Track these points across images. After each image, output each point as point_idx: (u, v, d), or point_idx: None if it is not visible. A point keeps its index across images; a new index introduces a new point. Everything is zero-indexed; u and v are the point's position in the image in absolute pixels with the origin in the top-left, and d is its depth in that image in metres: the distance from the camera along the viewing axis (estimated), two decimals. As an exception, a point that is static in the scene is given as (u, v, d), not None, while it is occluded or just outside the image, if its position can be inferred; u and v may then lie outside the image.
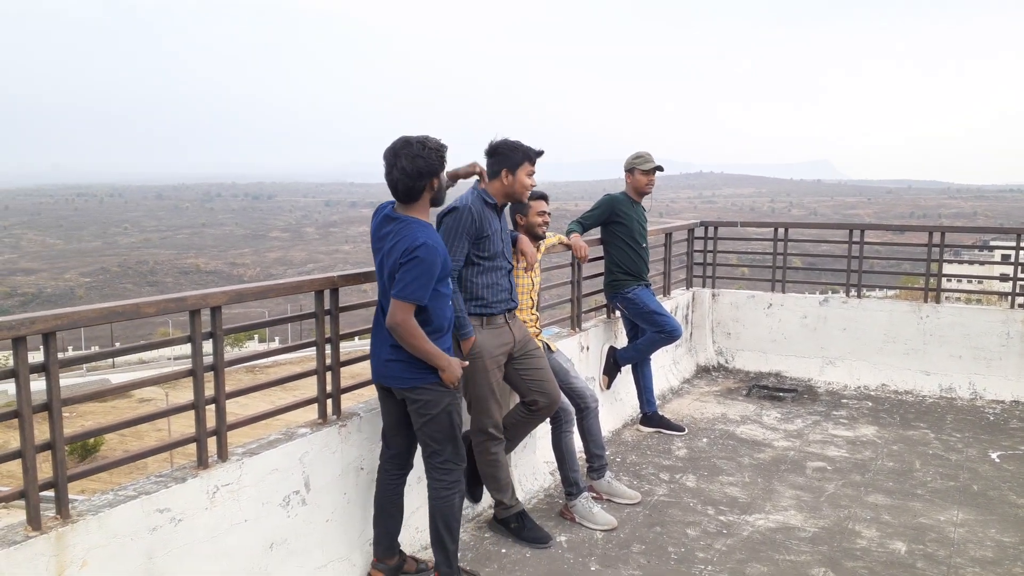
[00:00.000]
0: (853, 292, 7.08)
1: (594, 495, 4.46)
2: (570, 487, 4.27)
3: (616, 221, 5.48)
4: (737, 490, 4.63)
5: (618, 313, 5.82)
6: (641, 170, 5.48)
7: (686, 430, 5.70)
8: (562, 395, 4.26)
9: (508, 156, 3.81)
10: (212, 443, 3.00)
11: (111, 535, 2.56)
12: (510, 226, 4.37)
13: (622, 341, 5.93)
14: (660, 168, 5.53)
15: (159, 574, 2.71)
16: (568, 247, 5.15)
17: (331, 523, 3.42)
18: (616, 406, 5.92)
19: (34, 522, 2.42)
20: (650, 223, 5.80)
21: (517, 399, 4.17)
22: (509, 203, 4.16)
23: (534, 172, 3.88)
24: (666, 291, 7.02)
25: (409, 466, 3.51)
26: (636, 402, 5.86)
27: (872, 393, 6.70)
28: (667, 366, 6.88)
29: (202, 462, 2.94)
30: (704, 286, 7.63)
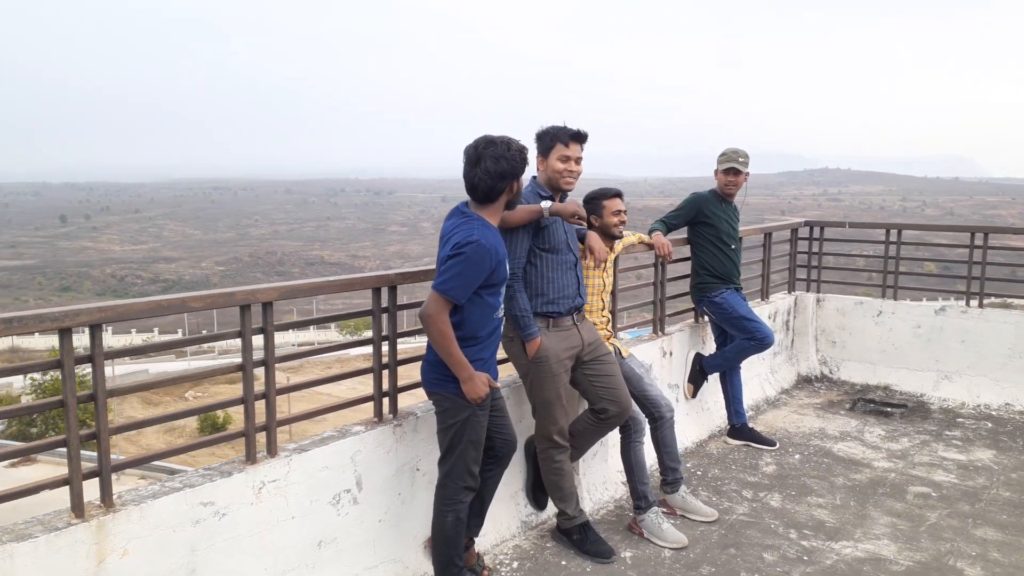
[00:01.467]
0: (974, 301, 6.47)
1: (666, 510, 4.24)
2: (639, 500, 4.07)
3: (703, 221, 5.20)
4: (826, 513, 4.29)
5: (706, 318, 5.53)
6: (720, 170, 5.17)
7: (777, 444, 5.35)
8: (633, 403, 4.07)
9: (540, 141, 3.68)
10: (262, 438, 3.01)
11: (153, 526, 2.59)
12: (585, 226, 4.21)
13: (710, 347, 5.63)
14: (736, 169, 5.15)
15: (201, 567, 2.73)
16: (650, 247, 4.92)
17: (384, 523, 3.37)
18: (702, 416, 5.63)
19: (77, 509, 2.48)
20: (764, 221, 5.46)
21: (585, 405, 4.00)
22: (580, 200, 4.01)
23: (572, 157, 3.65)
24: (764, 295, 6.64)
25: (500, 462, 3.46)
26: (725, 412, 5.55)
27: (993, 413, 6.10)
28: (763, 375, 6.51)
29: (250, 457, 2.95)
30: (808, 290, 7.18)
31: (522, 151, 3.00)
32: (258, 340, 2.94)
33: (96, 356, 2.45)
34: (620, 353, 4.29)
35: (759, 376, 6.41)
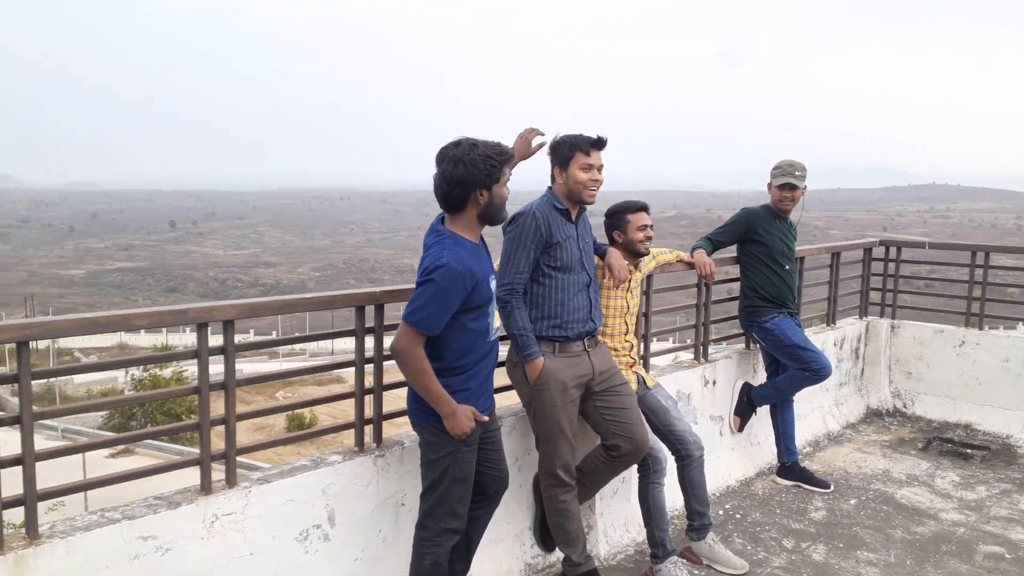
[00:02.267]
0: (1074, 334, 5.74)
1: (691, 559, 3.82)
2: (656, 548, 3.67)
3: (753, 239, 4.75)
4: (876, 572, 3.78)
5: (758, 345, 5.06)
6: (774, 184, 4.70)
7: (832, 487, 4.82)
8: (653, 439, 3.68)
9: (557, 151, 3.36)
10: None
11: (82, 561, 2.40)
12: (605, 241, 3.86)
13: (761, 377, 5.15)
14: (792, 184, 4.66)
15: (142, 605, 2.52)
16: (690, 266, 4.51)
17: (361, 563, 3.10)
18: (750, 451, 5.15)
19: (-2, 541, 2.30)
20: (876, 237, 4.94)
21: (599, 439, 3.63)
22: (601, 214, 3.67)
23: (594, 165, 3.33)
24: (830, 320, 6.08)
25: (491, 500, 3.18)
26: (776, 449, 5.06)
27: (1093, 462, 5.37)
28: (826, 407, 5.95)
29: (205, 488, 2.73)
30: (882, 316, 6.56)
31: (489, 158, 2.67)
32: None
33: (22, 376, 2.27)
34: (644, 383, 3.91)
35: (821, 409, 5.87)
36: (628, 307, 3.83)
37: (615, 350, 3.79)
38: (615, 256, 3.65)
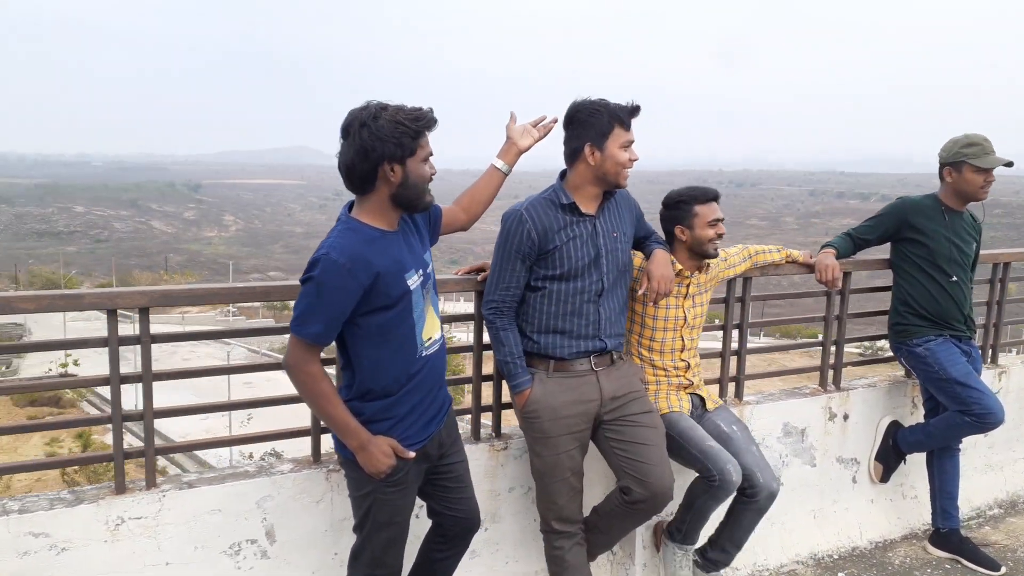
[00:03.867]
0: None
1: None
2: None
3: (910, 238, 3.67)
4: None
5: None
6: (973, 165, 3.55)
7: (1003, 570, 3.63)
8: (725, 458, 2.91)
9: (589, 124, 2.68)
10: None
11: (-39, 551, 2.32)
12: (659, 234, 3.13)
13: (918, 415, 4.02)
14: (1009, 163, 3.51)
15: (35, 604, 2.40)
16: (809, 268, 3.58)
17: (309, 586, 2.77)
18: (901, 507, 4.06)
19: None
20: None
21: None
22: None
23: (633, 142, 2.68)
24: (989, 355, 4.42)
25: (453, 544, 2.66)
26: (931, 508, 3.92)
27: None
28: (1014, 461, 4.55)
29: (119, 487, 2.55)
30: None
31: (400, 124, 2.12)
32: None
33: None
34: (704, 405, 3.15)
35: (1007, 463, 4.50)
36: (686, 319, 3.08)
37: (664, 370, 3.08)
38: (659, 263, 2.91)
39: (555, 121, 2.78)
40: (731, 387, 3.66)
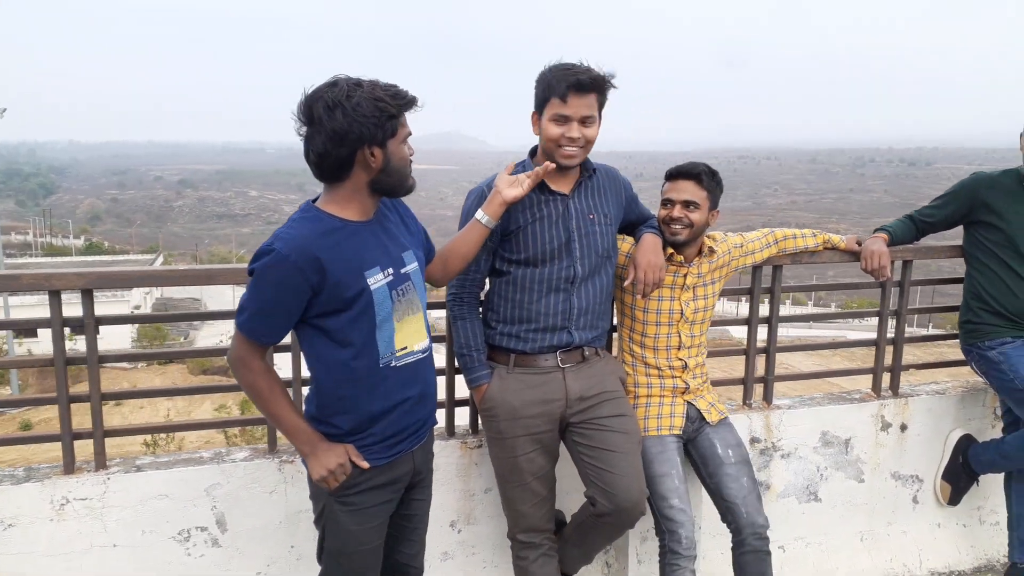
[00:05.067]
0: None
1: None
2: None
3: (984, 220, 3.12)
4: None
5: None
6: None
7: (1093, 621, 3.02)
8: (678, 501, 2.60)
9: (536, 91, 2.40)
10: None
11: (-88, 520, 2.41)
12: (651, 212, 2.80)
13: (997, 430, 3.43)
14: None
15: (-16, 574, 2.47)
16: (854, 256, 3.11)
17: (263, 577, 2.71)
18: (974, 534, 3.50)
19: None
20: None
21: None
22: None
23: (572, 118, 2.33)
24: None
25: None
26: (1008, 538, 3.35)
27: None
28: None
29: (66, 467, 2.57)
30: None
31: (379, 101, 1.86)
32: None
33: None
34: (702, 416, 2.79)
35: None
36: (683, 313, 2.74)
37: (657, 369, 2.75)
38: (645, 248, 2.59)
39: (548, 168, 2.33)
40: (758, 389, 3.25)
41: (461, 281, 2.52)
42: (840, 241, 3.10)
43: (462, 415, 2.96)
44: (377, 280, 1.97)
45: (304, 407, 2.09)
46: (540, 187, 2.44)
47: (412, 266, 2.08)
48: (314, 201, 2.00)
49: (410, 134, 1.99)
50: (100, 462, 2.60)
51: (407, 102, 1.94)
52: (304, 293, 1.89)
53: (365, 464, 2.03)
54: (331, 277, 1.89)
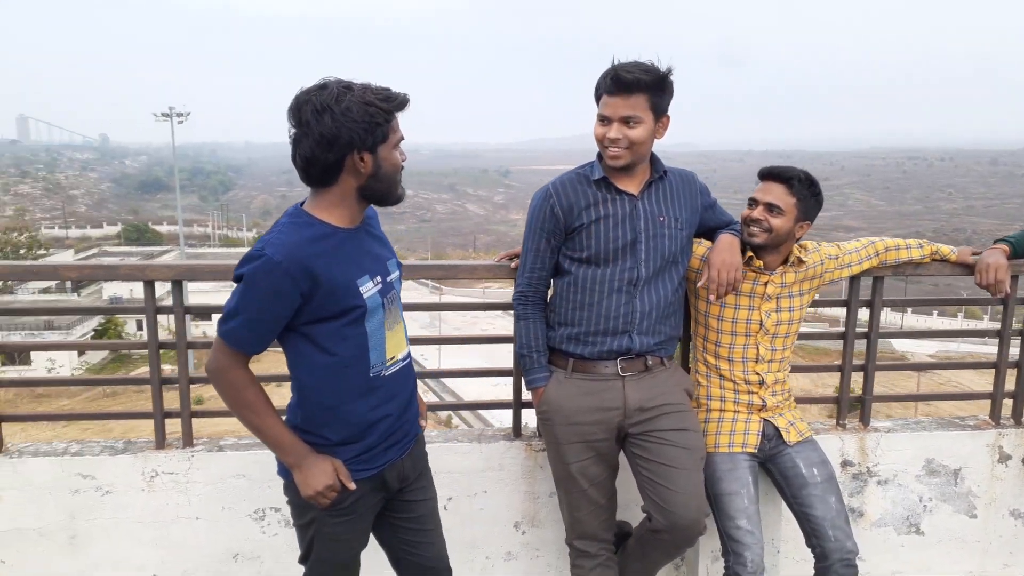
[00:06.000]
0: None
1: None
2: None
3: None
4: None
5: None
6: None
7: None
8: (746, 522, 2.47)
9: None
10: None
11: (26, 481, 2.68)
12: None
13: None
14: None
15: (83, 536, 2.73)
16: (967, 268, 2.84)
17: (330, 562, 2.81)
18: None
19: (-31, 448, 2.72)
20: None
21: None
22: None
23: (612, 118, 2.30)
24: None
25: None
26: None
27: None
28: None
29: (158, 443, 2.78)
30: None
31: (369, 105, 1.82)
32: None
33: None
34: (780, 436, 2.63)
35: None
36: (762, 323, 2.59)
37: (732, 383, 2.63)
38: (720, 248, 2.49)
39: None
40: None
41: (527, 280, 2.51)
42: (951, 253, 2.83)
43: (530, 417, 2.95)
44: (368, 289, 1.95)
45: (286, 417, 2.04)
46: (606, 186, 2.39)
47: (395, 274, 2.08)
48: (302, 204, 1.96)
49: (402, 139, 1.94)
50: (187, 440, 2.79)
51: (398, 103, 1.89)
52: (294, 300, 1.85)
53: (352, 485, 1.98)
54: (323, 285, 1.86)
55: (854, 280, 2.90)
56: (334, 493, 1.95)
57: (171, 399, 2.81)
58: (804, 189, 2.51)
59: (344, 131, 1.80)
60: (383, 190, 1.94)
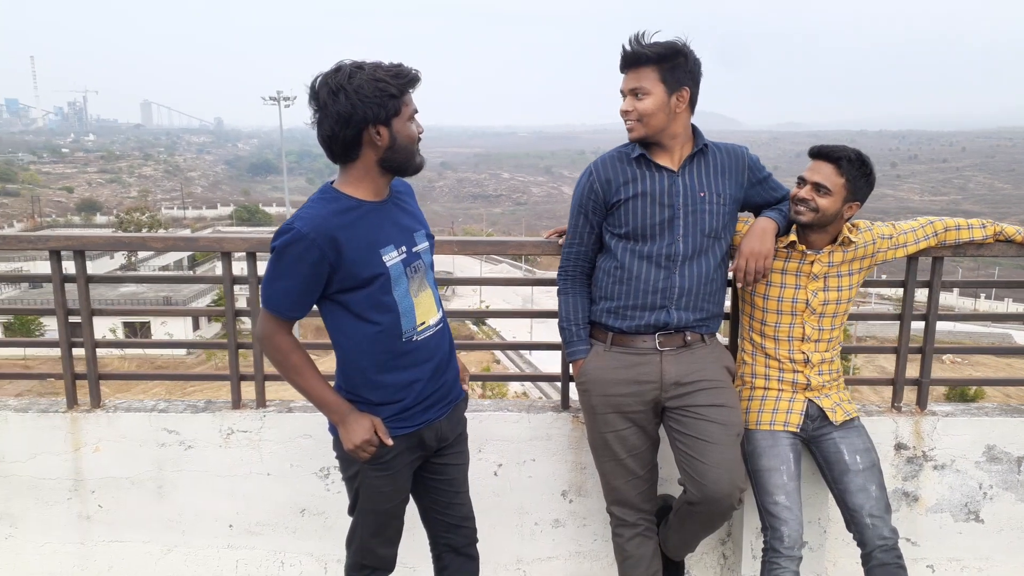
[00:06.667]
0: None
1: None
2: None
3: None
4: None
5: None
6: None
7: None
8: (784, 498, 2.51)
9: None
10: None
11: (120, 435, 2.98)
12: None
13: None
14: None
15: (169, 486, 3.01)
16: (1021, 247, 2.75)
17: (389, 520, 3.00)
18: None
19: (70, 403, 3.03)
20: None
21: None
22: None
23: (626, 92, 2.41)
24: None
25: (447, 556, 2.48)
26: None
27: None
28: None
29: (234, 402, 3.02)
30: None
31: (379, 81, 1.97)
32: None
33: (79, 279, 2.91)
34: (824, 416, 2.64)
35: None
36: (807, 303, 2.60)
37: (777, 361, 2.65)
38: (753, 235, 2.52)
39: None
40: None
41: (568, 255, 2.61)
42: (1016, 233, 2.74)
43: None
44: (392, 258, 2.09)
45: (334, 381, 2.21)
46: (645, 162, 2.45)
47: (423, 245, 2.21)
48: (332, 183, 2.12)
49: (416, 112, 2.08)
50: (260, 401, 3.03)
51: (409, 80, 2.03)
52: (323, 269, 2.00)
53: (390, 441, 2.13)
54: (347, 255, 2.01)
55: (911, 260, 2.85)
56: (373, 448, 2.11)
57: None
58: (854, 170, 2.49)
59: (358, 107, 1.97)
60: (401, 160, 2.09)
